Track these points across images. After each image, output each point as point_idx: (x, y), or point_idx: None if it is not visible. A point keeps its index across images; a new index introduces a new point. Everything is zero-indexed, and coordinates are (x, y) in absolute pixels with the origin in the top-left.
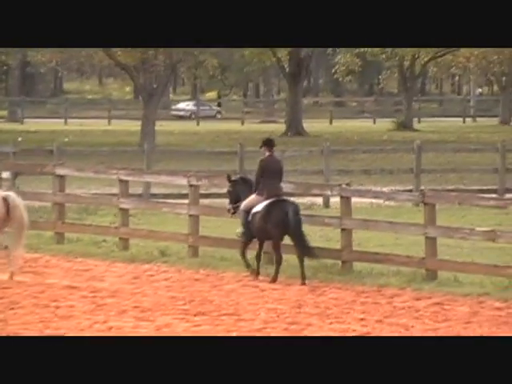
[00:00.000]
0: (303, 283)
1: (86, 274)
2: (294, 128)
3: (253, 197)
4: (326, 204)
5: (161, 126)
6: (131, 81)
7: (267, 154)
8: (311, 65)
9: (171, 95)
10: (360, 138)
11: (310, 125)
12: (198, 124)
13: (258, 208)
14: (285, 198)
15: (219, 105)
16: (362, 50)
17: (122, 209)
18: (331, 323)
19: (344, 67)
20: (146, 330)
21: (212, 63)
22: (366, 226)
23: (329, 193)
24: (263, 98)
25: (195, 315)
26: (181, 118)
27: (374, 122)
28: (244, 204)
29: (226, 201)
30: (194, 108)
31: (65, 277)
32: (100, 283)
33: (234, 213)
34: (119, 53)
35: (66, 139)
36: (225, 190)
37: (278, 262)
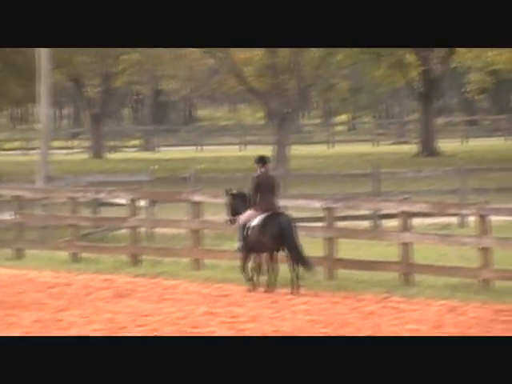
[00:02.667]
0: (293, 291)
1: (225, 300)
2: (428, 148)
3: (249, 212)
4: (462, 223)
5: (294, 150)
6: (263, 106)
7: (261, 170)
8: (443, 84)
9: (303, 119)
10: (494, 156)
11: (443, 144)
12: (330, 147)
13: (255, 222)
14: (280, 211)
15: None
16: (496, 67)
17: None
18: None
19: (476, 85)
20: None
21: (343, 86)
22: (506, 245)
23: (466, 212)
24: (395, 119)
25: None
26: None
27: (506, 140)
28: (241, 219)
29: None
30: None
31: (204, 303)
32: (239, 308)
33: (233, 223)
34: (251, 78)
35: (200, 166)
36: (361, 212)
37: (276, 272)
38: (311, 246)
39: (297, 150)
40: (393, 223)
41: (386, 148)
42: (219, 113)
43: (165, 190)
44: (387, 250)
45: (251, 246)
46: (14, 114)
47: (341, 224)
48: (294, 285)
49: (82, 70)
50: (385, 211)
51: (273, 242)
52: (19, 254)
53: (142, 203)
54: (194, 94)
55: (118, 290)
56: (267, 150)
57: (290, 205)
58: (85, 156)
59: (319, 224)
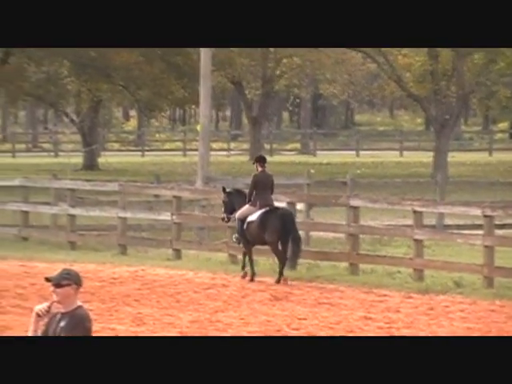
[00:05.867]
0: (278, 281)
1: (381, 305)
2: None
3: (246, 207)
4: None
5: (453, 157)
6: (423, 112)
7: (259, 169)
8: None
9: (463, 126)
10: None
11: None
12: (490, 154)
13: (253, 217)
14: (276, 206)
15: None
16: None
17: (416, 240)
18: None
19: None
20: None
21: (504, 93)
22: None
23: None
24: None
25: None
26: None
27: None
28: (239, 213)
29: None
30: None
31: (360, 308)
32: (395, 314)
33: (227, 221)
34: (411, 84)
35: (359, 171)
36: None
37: (283, 262)
38: (470, 253)
39: (456, 157)
40: None
41: None
42: (378, 118)
43: (323, 193)
44: None
45: (250, 239)
46: (174, 114)
47: (499, 232)
48: (280, 276)
49: (242, 73)
50: None
51: (273, 235)
52: (177, 255)
53: (300, 206)
54: (353, 98)
55: (274, 293)
56: (426, 156)
57: (448, 212)
58: (243, 158)
59: (477, 231)
